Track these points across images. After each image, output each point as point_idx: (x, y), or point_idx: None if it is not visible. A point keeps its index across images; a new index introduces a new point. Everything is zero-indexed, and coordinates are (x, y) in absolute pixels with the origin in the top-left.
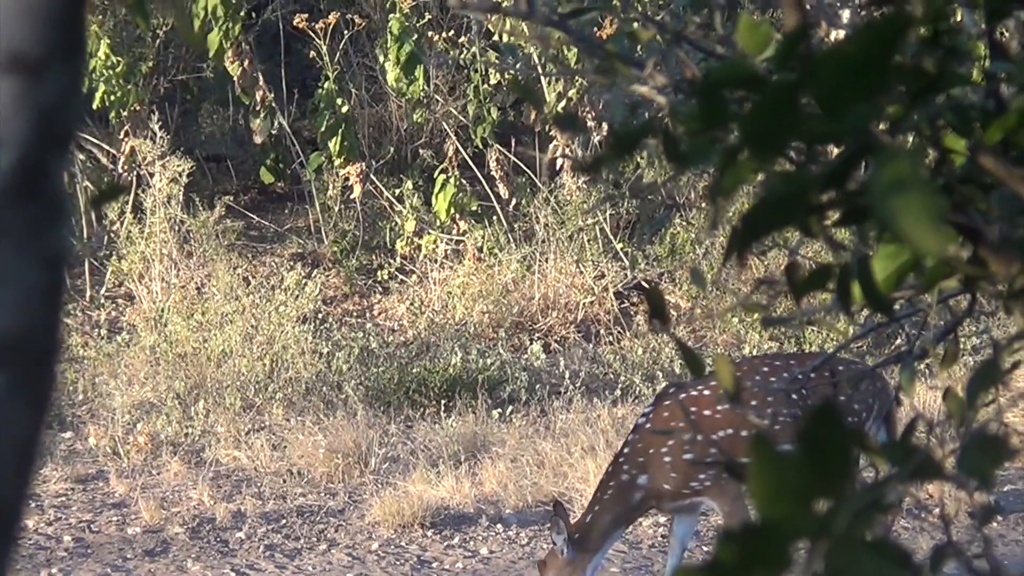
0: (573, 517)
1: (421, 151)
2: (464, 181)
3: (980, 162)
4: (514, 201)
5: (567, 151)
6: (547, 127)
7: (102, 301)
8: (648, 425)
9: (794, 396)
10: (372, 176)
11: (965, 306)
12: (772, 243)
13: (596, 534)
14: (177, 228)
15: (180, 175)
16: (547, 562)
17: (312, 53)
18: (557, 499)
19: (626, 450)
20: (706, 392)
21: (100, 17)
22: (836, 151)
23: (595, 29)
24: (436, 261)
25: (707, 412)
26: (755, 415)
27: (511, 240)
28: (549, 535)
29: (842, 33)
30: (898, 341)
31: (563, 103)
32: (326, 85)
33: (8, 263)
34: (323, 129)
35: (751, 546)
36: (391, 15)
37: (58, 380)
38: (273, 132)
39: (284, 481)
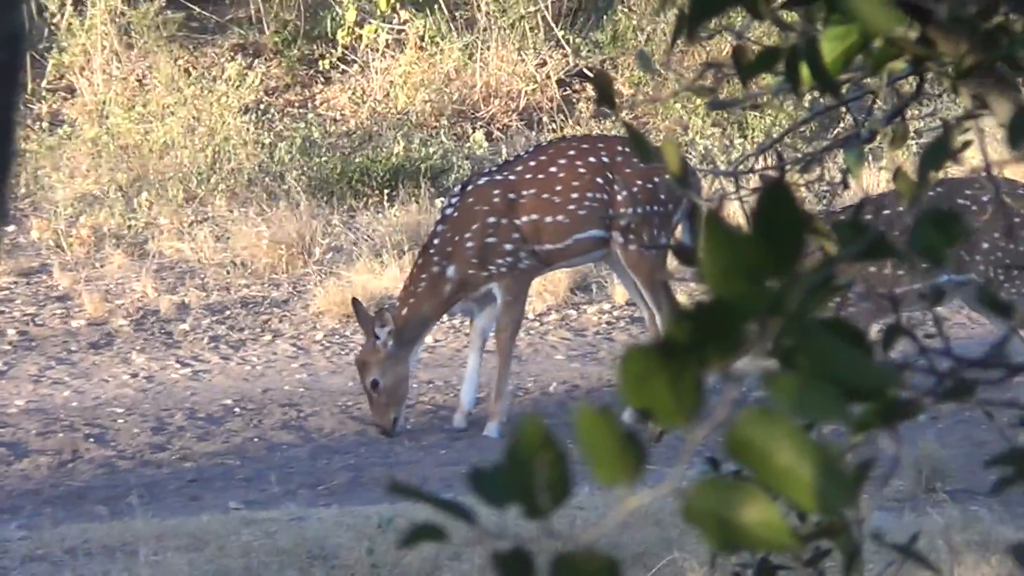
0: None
1: None
2: None
3: None
4: None
5: None
6: None
7: (43, 94)
8: (456, 215)
9: (599, 180)
10: None
11: (913, 88)
12: (718, 27)
13: (413, 326)
14: (118, 20)
15: None
16: (367, 360)
17: None
18: (355, 298)
19: (435, 241)
20: (511, 177)
21: None
22: None
23: None
24: (378, 51)
25: (511, 196)
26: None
27: (452, 29)
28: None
29: None
30: (844, 124)
31: None
32: None
33: None
34: None
35: (704, 324)
36: None
37: (16, 157)
38: None
39: (228, 272)
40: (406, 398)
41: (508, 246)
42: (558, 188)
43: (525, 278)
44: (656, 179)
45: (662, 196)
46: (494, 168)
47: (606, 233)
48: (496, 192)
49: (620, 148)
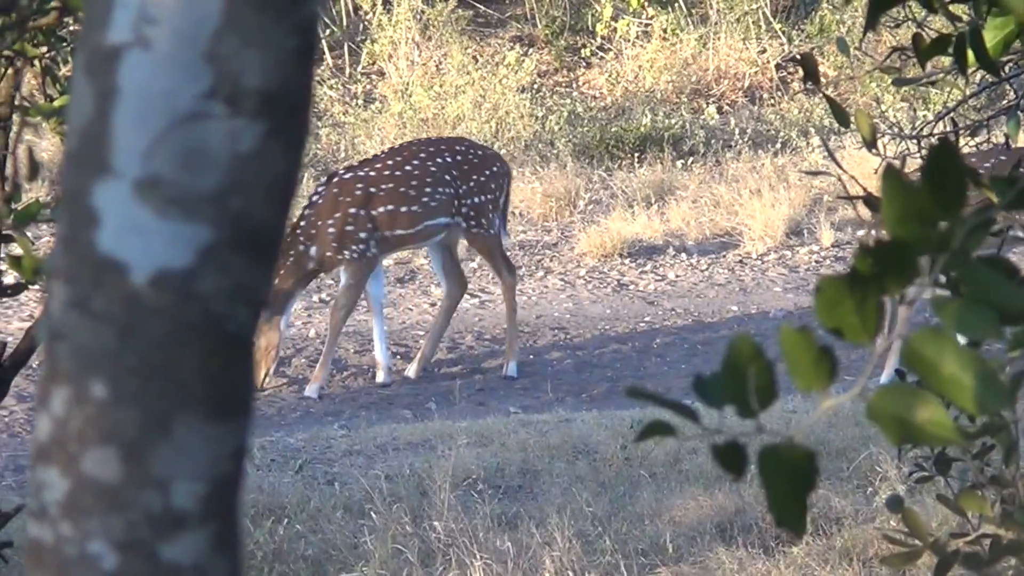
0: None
1: None
2: None
3: None
4: None
5: None
6: None
7: (359, 77)
8: (320, 202)
9: (447, 177)
10: None
11: None
12: (903, 19)
13: (281, 297)
14: (419, 17)
15: None
16: None
17: None
18: None
19: (302, 223)
20: (371, 173)
21: None
22: None
23: None
24: (629, 41)
25: (372, 190)
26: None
27: (690, 23)
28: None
29: None
30: (1009, 98)
31: None
32: None
33: (268, 30)
34: None
35: (884, 259)
36: None
37: (309, 128)
38: None
39: (508, 221)
40: (276, 359)
41: (363, 234)
42: (413, 183)
43: (369, 267)
44: (486, 173)
45: (492, 186)
46: (355, 164)
47: (452, 220)
48: (359, 186)
49: (459, 148)
